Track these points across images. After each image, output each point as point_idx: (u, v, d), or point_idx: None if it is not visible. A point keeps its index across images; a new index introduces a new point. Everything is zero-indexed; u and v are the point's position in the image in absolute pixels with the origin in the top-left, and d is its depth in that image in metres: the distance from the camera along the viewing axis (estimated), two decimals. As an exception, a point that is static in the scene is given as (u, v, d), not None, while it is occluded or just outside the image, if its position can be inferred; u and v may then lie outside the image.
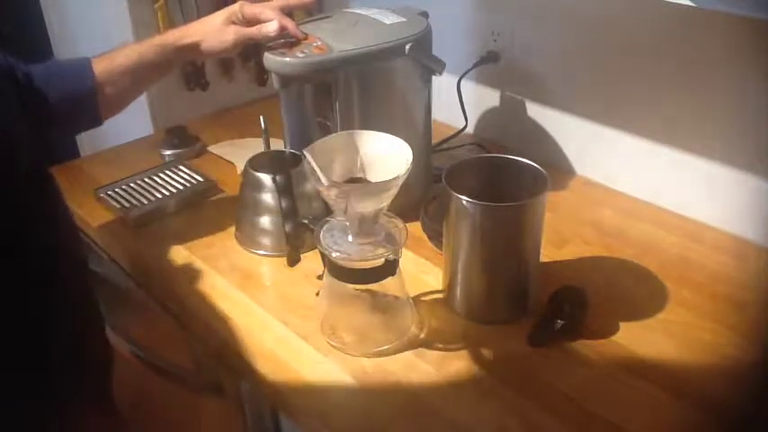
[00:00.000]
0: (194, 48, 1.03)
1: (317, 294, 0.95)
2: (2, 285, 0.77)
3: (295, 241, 0.94)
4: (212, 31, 1.02)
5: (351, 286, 0.89)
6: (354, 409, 0.82)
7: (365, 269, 0.86)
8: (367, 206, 0.82)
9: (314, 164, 0.81)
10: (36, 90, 0.96)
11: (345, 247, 0.85)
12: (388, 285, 0.89)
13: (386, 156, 0.85)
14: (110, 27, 1.47)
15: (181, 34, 1.03)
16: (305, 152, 0.82)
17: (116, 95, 1.03)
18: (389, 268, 0.87)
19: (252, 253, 1.08)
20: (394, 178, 0.79)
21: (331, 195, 0.82)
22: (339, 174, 0.85)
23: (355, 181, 0.86)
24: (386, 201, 0.83)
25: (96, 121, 1.04)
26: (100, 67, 1.01)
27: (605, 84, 1.18)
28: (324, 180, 0.80)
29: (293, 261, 0.95)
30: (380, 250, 0.85)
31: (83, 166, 1.39)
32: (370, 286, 0.89)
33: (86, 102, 1.00)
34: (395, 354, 0.88)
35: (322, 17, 1.10)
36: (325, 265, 0.90)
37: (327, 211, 0.98)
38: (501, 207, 0.86)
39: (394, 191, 0.81)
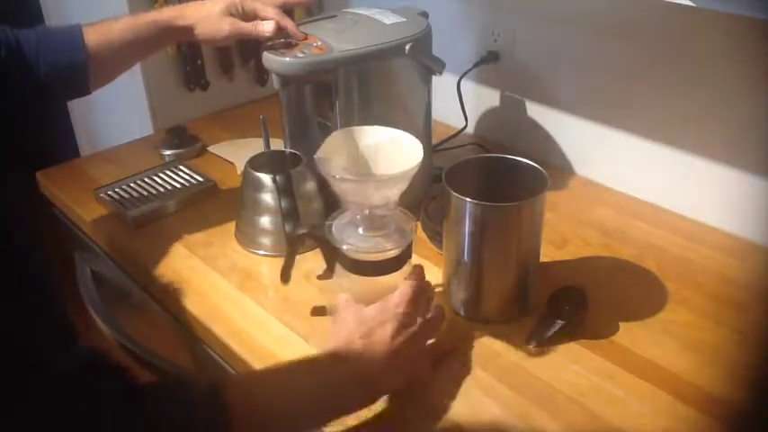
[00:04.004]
0: (188, 30, 1.03)
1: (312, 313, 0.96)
2: None
3: (291, 257, 0.94)
4: (209, 17, 1.02)
5: (361, 278, 0.89)
6: (354, 409, 0.81)
7: (375, 261, 0.86)
8: (387, 195, 0.83)
9: (330, 164, 0.82)
10: (25, 59, 0.97)
11: (355, 239, 0.86)
12: (397, 278, 0.89)
13: (386, 147, 0.86)
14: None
15: (177, 14, 1.03)
16: (317, 160, 0.83)
17: (107, 68, 1.04)
18: (400, 261, 0.87)
19: (252, 253, 1.08)
20: (413, 167, 0.81)
21: (348, 190, 0.82)
22: (346, 169, 0.85)
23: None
24: (400, 190, 0.83)
25: (85, 91, 1.04)
26: (93, 40, 1.01)
27: (605, 83, 1.18)
28: (348, 176, 0.81)
29: (287, 278, 0.95)
30: (390, 243, 0.86)
31: (83, 166, 1.38)
32: (380, 278, 0.89)
33: (77, 73, 1.01)
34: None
35: (322, 17, 1.10)
36: (327, 260, 0.90)
37: (328, 211, 0.98)
38: (501, 207, 0.86)
39: (408, 178, 0.82)
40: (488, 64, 1.31)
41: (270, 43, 1.02)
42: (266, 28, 1.00)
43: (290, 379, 0.74)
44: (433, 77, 1.10)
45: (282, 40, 1.02)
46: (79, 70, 1.00)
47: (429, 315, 0.84)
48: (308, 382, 0.73)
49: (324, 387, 0.73)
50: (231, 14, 1.02)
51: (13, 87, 0.97)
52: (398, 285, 0.88)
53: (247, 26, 1.02)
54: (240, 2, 1.02)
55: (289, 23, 1.01)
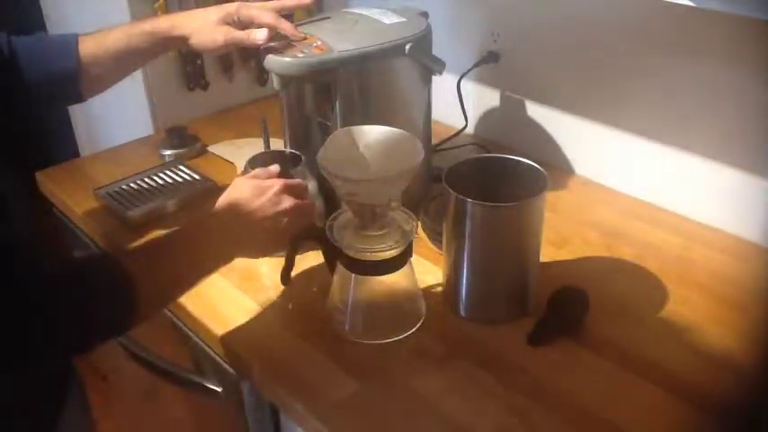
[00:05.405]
0: (183, 40, 1.03)
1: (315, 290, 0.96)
2: None
3: (291, 257, 0.94)
4: (204, 27, 1.02)
5: (361, 278, 0.89)
6: (354, 409, 0.82)
7: (376, 261, 0.87)
8: (387, 194, 0.83)
9: (330, 163, 0.83)
10: (17, 64, 0.98)
11: (355, 239, 0.86)
12: (398, 277, 0.90)
13: (386, 147, 0.86)
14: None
15: (172, 24, 1.03)
16: (319, 162, 0.83)
17: (100, 77, 1.05)
18: (400, 260, 0.88)
19: (252, 253, 1.08)
20: (413, 166, 0.81)
21: (348, 190, 0.82)
22: (346, 169, 0.85)
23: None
24: (400, 190, 0.84)
25: (77, 99, 1.05)
26: (87, 49, 1.01)
27: (605, 84, 1.18)
28: (349, 176, 0.82)
29: (287, 279, 0.95)
30: (391, 243, 0.86)
31: (83, 166, 1.39)
32: (380, 278, 0.89)
33: (67, 81, 1.01)
34: (398, 346, 0.89)
35: (322, 17, 1.10)
36: (327, 260, 0.91)
37: (328, 211, 0.98)
38: (501, 207, 0.86)
39: (408, 177, 0.83)
40: (488, 64, 1.31)
41: (271, 43, 1.01)
42: (258, 36, 1.00)
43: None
44: (433, 77, 1.10)
45: (281, 41, 1.02)
46: (70, 78, 1.01)
47: (300, 202, 0.91)
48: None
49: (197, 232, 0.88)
50: (227, 23, 1.02)
51: (2, 90, 0.97)
52: (400, 284, 0.88)
53: (241, 35, 1.01)
54: (236, 10, 1.02)
55: (286, 26, 1.01)
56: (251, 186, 0.90)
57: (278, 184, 0.90)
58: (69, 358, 0.92)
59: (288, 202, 0.90)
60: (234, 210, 0.88)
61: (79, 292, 0.72)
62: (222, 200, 0.90)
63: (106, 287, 0.74)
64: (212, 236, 0.87)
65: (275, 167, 0.95)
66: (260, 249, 0.94)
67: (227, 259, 0.89)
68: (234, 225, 0.88)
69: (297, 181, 0.95)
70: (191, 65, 1.49)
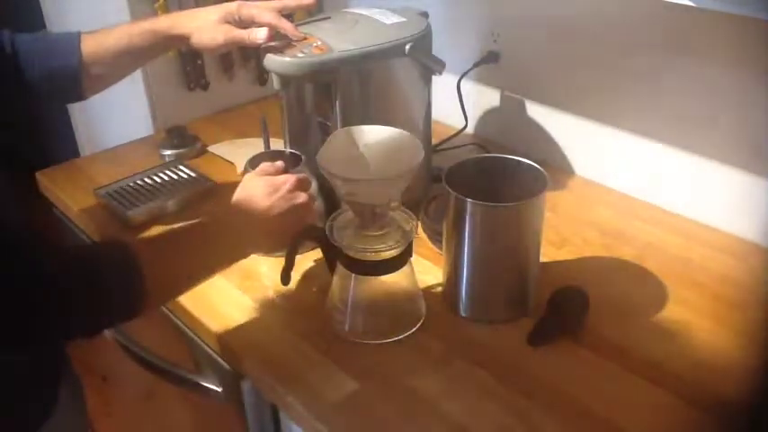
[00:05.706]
0: (184, 39, 1.03)
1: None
2: None
3: (291, 257, 0.94)
4: (204, 26, 1.02)
5: (361, 278, 0.89)
6: (354, 409, 0.82)
7: (376, 261, 0.87)
8: (387, 195, 0.83)
9: (330, 163, 0.83)
10: (19, 62, 0.98)
11: (355, 239, 0.86)
12: (398, 277, 0.90)
13: (386, 147, 0.87)
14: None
15: (173, 23, 1.03)
16: (319, 162, 0.83)
17: (101, 75, 1.05)
18: (400, 260, 0.88)
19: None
20: (413, 167, 0.82)
21: (348, 190, 0.83)
22: (346, 169, 0.85)
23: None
24: (400, 190, 0.84)
25: (78, 97, 1.06)
26: (89, 47, 1.02)
27: (605, 83, 1.18)
28: (349, 176, 0.82)
29: (287, 279, 0.95)
30: (391, 243, 0.86)
31: (83, 166, 1.38)
32: (380, 278, 0.89)
33: (69, 78, 1.02)
34: (398, 346, 0.89)
35: (322, 17, 1.10)
36: (328, 260, 0.91)
37: (328, 211, 0.98)
38: (501, 207, 0.86)
39: (408, 178, 0.83)
40: (488, 64, 1.31)
41: (271, 43, 1.01)
42: (259, 35, 1.00)
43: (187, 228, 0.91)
44: (433, 77, 1.10)
45: (281, 41, 1.02)
46: (71, 75, 1.01)
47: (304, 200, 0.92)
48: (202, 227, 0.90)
49: (213, 229, 0.89)
50: (227, 22, 1.02)
51: (4, 88, 0.97)
52: (400, 284, 0.88)
53: (241, 34, 1.01)
54: (237, 9, 1.02)
55: (287, 26, 1.01)
56: (264, 183, 0.90)
57: (290, 180, 0.91)
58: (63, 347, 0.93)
59: (301, 197, 0.91)
60: (248, 207, 0.89)
61: (80, 291, 0.72)
62: (236, 197, 0.90)
63: (109, 286, 0.74)
64: (226, 232, 0.88)
65: (281, 162, 0.95)
66: (272, 246, 0.95)
67: (239, 256, 0.89)
68: (248, 222, 0.89)
69: (303, 175, 0.95)
70: (191, 65, 1.49)
